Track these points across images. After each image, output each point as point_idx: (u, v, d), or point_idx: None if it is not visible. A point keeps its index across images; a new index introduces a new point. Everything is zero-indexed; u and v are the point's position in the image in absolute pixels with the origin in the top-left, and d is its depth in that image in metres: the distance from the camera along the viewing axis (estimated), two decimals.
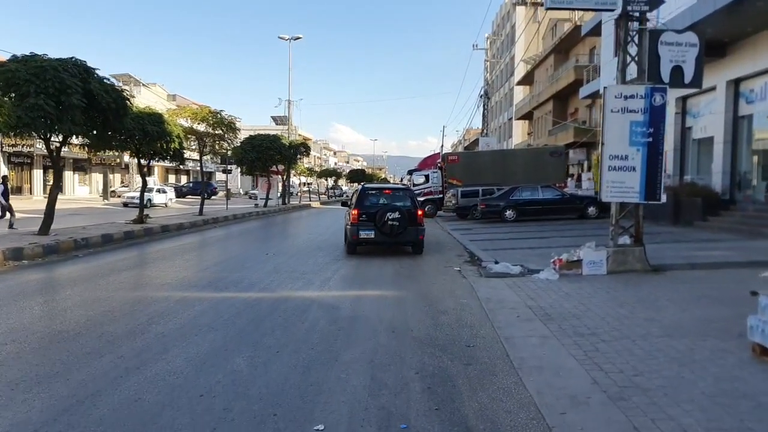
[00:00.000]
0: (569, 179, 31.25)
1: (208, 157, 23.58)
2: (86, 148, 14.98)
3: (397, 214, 12.28)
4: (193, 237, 15.88)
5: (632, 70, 10.08)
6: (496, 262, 10.99)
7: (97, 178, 50.35)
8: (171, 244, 13.86)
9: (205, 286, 8.45)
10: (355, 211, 12.69)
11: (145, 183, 17.62)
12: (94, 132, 13.58)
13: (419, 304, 7.35)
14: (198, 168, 66.28)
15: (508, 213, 22.03)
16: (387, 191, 14.16)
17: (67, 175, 47.06)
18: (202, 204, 22.42)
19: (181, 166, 60.22)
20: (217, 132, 21.29)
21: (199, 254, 12.22)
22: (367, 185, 15.24)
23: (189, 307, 6.98)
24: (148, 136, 15.09)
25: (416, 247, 12.96)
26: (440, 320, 6.53)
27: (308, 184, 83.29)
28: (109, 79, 12.83)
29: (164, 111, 20.94)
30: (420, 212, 13.13)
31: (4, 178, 17.65)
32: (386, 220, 12.26)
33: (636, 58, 9.85)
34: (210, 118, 20.31)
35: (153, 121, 15.12)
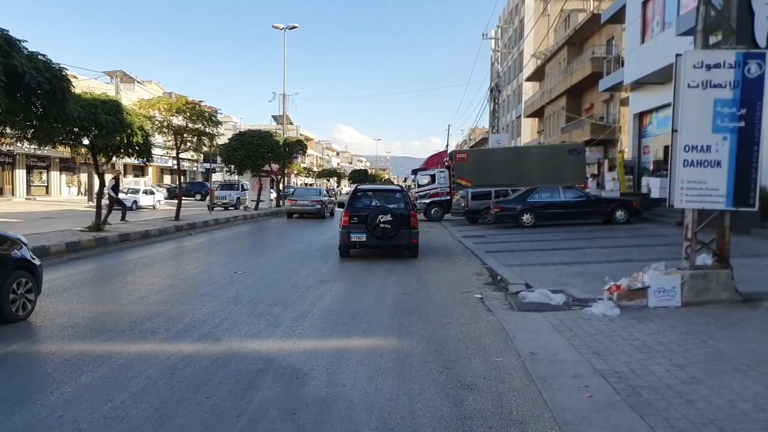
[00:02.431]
0: (589, 179, 28.68)
1: (191, 155, 21.01)
2: (29, 142, 12.40)
3: (389, 217, 11.73)
4: (155, 248, 13.33)
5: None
6: (528, 286, 8.48)
7: (86, 178, 47.95)
8: (121, 259, 11.34)
9: (124, 331, 5.94)
10: (346, 214, 12.20)
11: (102, 183, 15.03)
12: (35, 122, 11.09)
13: (431, 369, 4.83)
14: (195, 168, 64.04)
15: (526, 217, 19.48)
16: (380, 193, 13.64)
17: (53, 175, 44.71)
18: (178, 208, 19.86)
19: (176, 166, 58.11)
20: (196, 126, 18.76)
21: (146, 274, 9.68)
22: (360, 186, 14.45)
23: (71, 379, 4.48)
24: (104, 128, 12.61)
25: (410, 250, 12.37)
26: (467, 406, 4.00)
27: (310, 185, 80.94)
28: (44, 56, 10.31)
29: (135, 102, 18.52)
30: (414, 215, 12.52)
31: (116, 177, 18.47)
32: (378, 223, 11.70)
33: (722, 14, 7.28)
34: (187, 110, 17.80)
35: (108, 109, 12.55)
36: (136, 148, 14.36)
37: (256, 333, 5.91)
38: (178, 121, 18.30)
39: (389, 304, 7.43)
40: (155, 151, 17.18)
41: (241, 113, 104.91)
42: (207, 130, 18.90)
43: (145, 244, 14.02)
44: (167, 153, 19.25)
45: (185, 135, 18.72)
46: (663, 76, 21.50)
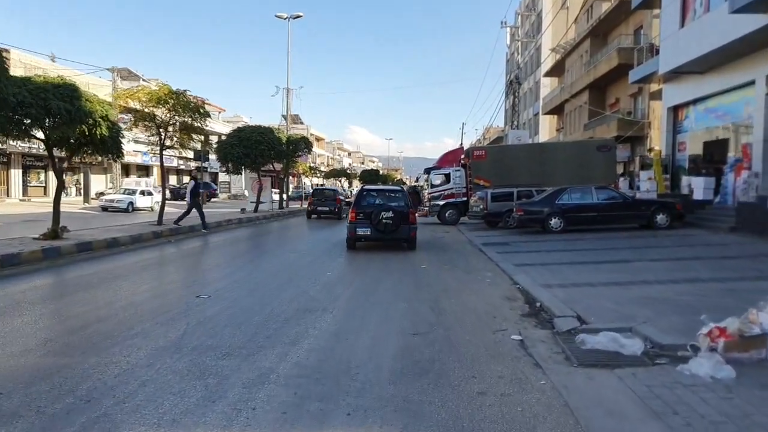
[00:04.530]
0: (621, 179, 26.28)
1: (179, 152, 18.94)
2: None
3: (390, 213, 13.13)
4: (116, 261, 10.96)
5: None
6: (581, 321, 6.26)
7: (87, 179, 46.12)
8: (62, 277, 9.11)
9: None
10: (353, 211, 13.75)
11: (61, 184, 12.90)
12: None
13: None
14: (201, 166, 62.04)
15: (554, 221, 17.19)
16: (383, 192, 15.08)
17: (52, 175, 42.91)
18: (161, 210, 17.78)
19: (182, 165, 56.12)
20: (184, 119, 16.66)
21: (78, 300, 7.31)
22: (365, 187, 16.04)
23: None
24: (58, 117, 10.55)
25: (409, 243, 13.78)
26: None
27: (321, 185, 78.81)
28: None
29: (113, 92, 16.49)
30: (413, 212, 14.17)
31: (195, 177, 18.17)
32: (381, 219, 13.08)
33: None
34: (170, 100, 15.71)
35: (62, 94, 10.46)
36: (102, 142, 12.22)
37: (177, 417, 3.73)
38: (161, 113, 16.21)
39: (393, 353, 5.22)
40: (140, 147, 15.23)
41: (251, 113, 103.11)
42: (195, 124, 16.77)
43: (108, 255, 11.83)
44: (151, 149, 17.15)
45: (170, 129, 16.63)
46: (705, 64, 19.16)
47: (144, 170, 54.24)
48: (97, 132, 11.56)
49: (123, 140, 13.05)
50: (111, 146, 12.51)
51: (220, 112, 72.89)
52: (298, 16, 32.96)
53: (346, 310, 7.02)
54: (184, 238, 15.71)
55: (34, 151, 36.41)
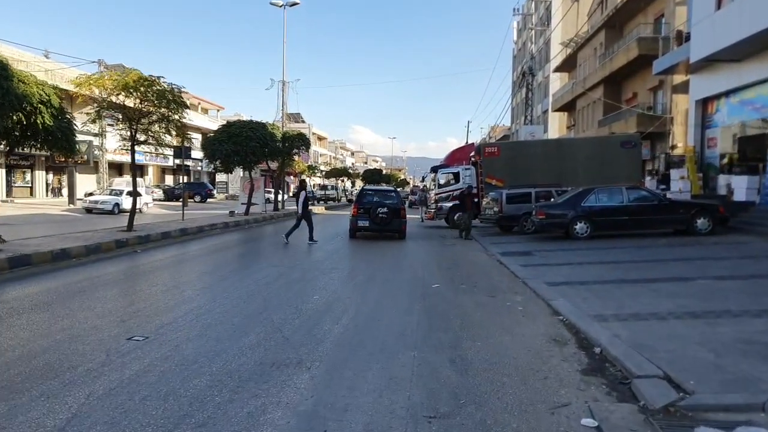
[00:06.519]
0: (648, 178, 24.14)
1: (150, 148, 16.81)
2: None
3: (385, 209, 16.10)
4: (51, 280, 8.71)
5: None
6: (672, 382, 4.16)
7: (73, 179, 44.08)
8: None
9: None
10: (354, 206, 16.54)
11: None
12: None
13: None
14: (199, 167, 60.07)
15: (579, 226, 15.11)
16: (380, 192, 17.82)
17: (38, 175, 41.02)
18: (132, 215, 15.66)
19: (178, 165, 53.95)
20: (161, 110, 14.60)
21: None
22: (365, 187, 19.63)
23: None
24: None
25: (400, 234, 16.60)
26: None
27: (323, 186, 76.74)
28: None
29: (73, 79, 14.44)
30: (403, 208, 16.87)
31: (302, 183, 17.28)
32: (377, 213, 15.97)
33: None
34: (141, 88, 13.65)
35: None
36: (49, 134, 10.13)
37: None
38: (132, 102, 14.15)
39: None
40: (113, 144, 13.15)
41: (252, 112, 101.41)
42: (171, 116, 14.70)
43: (49, 271, 9.61)
44: (124, 145, 15.13)
45: (142, 121, 14.57)
46: (745, 50, 17.11)
47: (138, 169, 52.17)
48: (38, 121, 9.48)
49: (88, 134, 10.98)
50: (61, 139, 10.42)
51: (219, 110, 70.72)
52: (295, 4, 30.91)
53: (331, 364, 4.91)
54: (152, 248, 13.55)
55: (20, 150, 34.49)
